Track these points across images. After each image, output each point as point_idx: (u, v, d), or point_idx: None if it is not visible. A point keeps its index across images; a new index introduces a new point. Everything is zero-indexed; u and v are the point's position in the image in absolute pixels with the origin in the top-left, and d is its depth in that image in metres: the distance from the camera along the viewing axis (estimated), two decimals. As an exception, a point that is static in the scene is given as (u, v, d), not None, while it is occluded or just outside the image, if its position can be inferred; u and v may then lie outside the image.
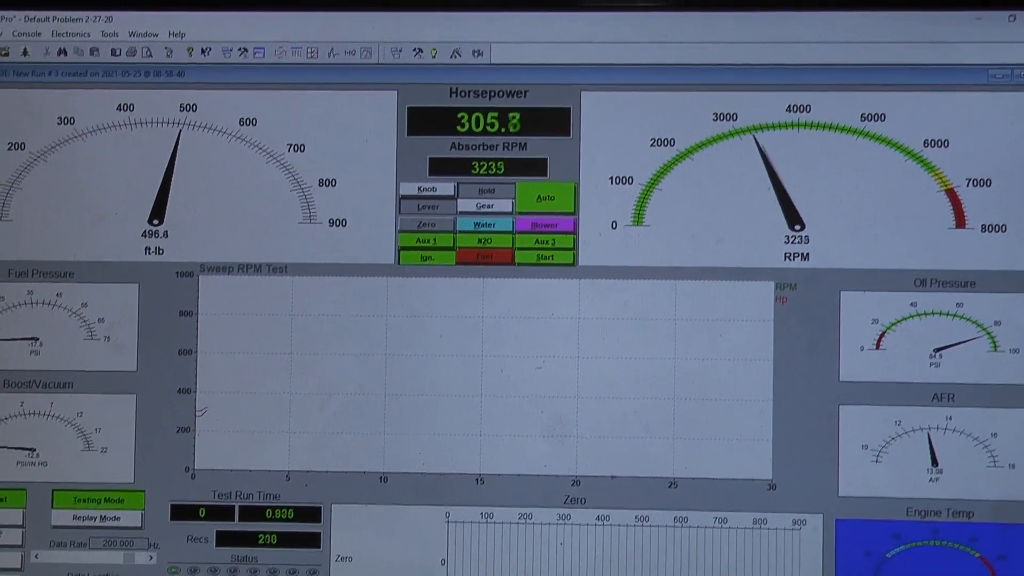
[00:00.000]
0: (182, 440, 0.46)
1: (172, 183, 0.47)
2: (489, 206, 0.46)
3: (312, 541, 0.46)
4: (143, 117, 0.47)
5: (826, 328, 0.45)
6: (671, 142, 0.46)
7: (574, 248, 0.46)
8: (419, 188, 0.46)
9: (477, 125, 0.46)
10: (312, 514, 0.46)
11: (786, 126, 0.46)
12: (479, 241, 0.46)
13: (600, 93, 0.46)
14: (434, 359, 0.46)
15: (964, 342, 0.45)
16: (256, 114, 0.47)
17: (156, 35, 0.47)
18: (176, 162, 0.47)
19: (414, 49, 0.47)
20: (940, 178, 0.45)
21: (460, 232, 0.46)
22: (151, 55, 0.47)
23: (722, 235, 0.46)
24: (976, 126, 0.45)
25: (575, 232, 0.46)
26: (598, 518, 0.46)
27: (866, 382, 0.45)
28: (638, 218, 0.46)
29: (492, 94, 0.46)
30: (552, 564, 0.46)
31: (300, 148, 0.47)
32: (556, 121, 0.46)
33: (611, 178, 0.46)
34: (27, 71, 0.47)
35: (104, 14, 0.47)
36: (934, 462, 0.45)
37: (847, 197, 0.45)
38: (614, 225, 0.46)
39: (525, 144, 0.46)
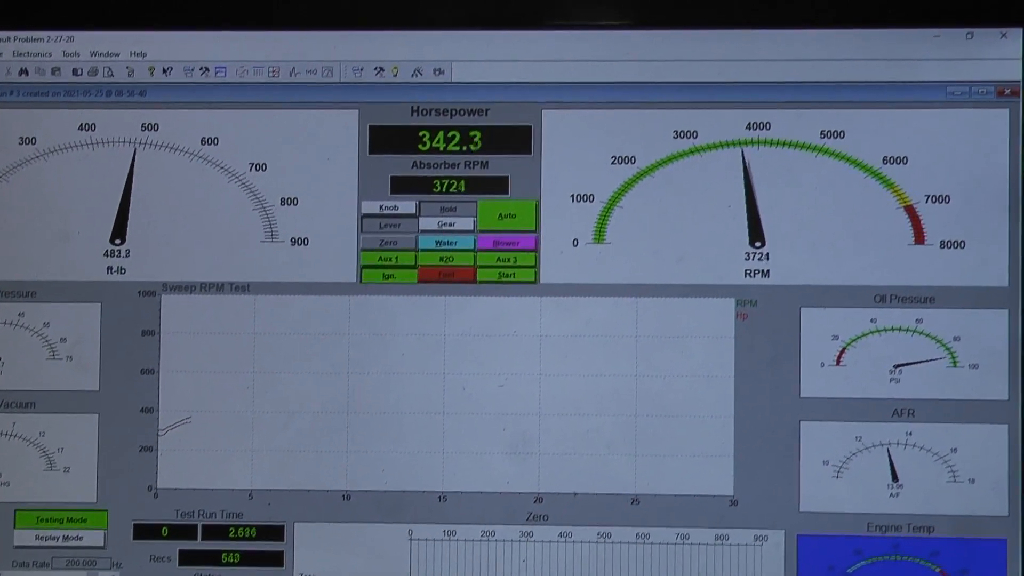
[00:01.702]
0: (145, 459, 0.46)
1: (132, 202, 0.47)
2: (451, 224, 0.46)
3: (275, 560, 0.46)
4: (105, 137, 0.47)
5: (787, 344, 0.45)
6: (632, 160, 0.46)
7: (536, 266, 0.46)
8: (381, 207, 0.46)
9: (439, 143, 0.47)
10: (275, 533, 0.46)
11: (746, 143, 0.46)
12: (441, 259, 0.46)
13: (561, 111, 0.46)
14: (397, 377, 0.46)
15: (924, 361, 0.45)
16: (218, 133, 0.47)
17: (117, 55, 0.47)
18: (134, 181, 0.47)
19: (375, 68, 0.47)
20: (899, 195, 0.46)
21: (422, 250, 0.46)
22: (112, 75, 0.47)
23: (683, 252, 0.46)
24: (935, 143, 0.46)
25: (536, 250, 0.46)
26: (560, 535, 0.46)
27: (827, 398, 0.45)
28: (599, 236, 0.46)
29: (453, 112, 0.47)
30: (514, 582, 0.46)
31: (262, 167, 0.47)
32: (517, 139, 0.46)
33: (572, 196, 0.46)
34: (-12, 91, 0.47)
35: (65, 34, 0.47)
36: (894, 477, 0.45)
37: (807, 214, 0.46)
38: (575, 243, 0.46)
39: (486, 162, 0.46)
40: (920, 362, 0.45)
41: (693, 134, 0.46)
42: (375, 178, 0.47)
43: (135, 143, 0.47)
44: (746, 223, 0.46)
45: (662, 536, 0.46)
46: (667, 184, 0.46)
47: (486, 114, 0.46)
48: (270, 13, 0.47)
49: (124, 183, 0.47)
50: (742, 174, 0.46)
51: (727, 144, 0.46)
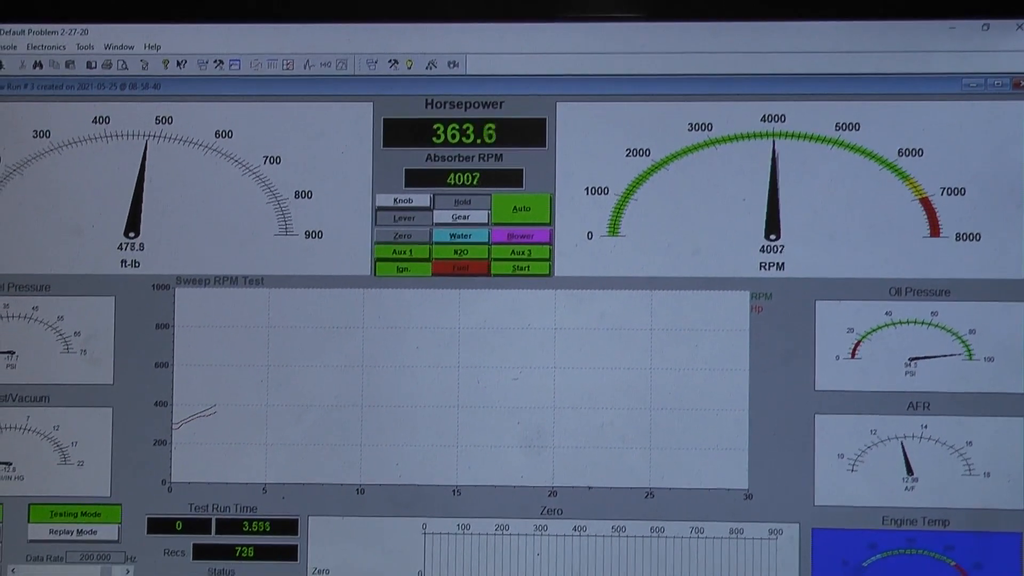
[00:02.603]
0: (159, 453, 0.46)
1: (146, 195, 0.47)
2: (465, 217, 0.46)
3: (289, 554, 0.46)
4: (119, 130, 0.47)
5: (801, 337, 0.45)
6: (646, 152, 0.46)
7: (550, 259, 0.46)
8: (395, 200, 0.46)
9: (453, 136, 0.46)
10: (289, 527, 0.46)
11: (761, 136, 0.46)
12: (455, 252, 0.46)
13: (575, 104, 0.46)
14: (411, 370, 0.46)
15: (940, 356, 0.45)
16: (232, 126, 0.47)
17: (132, 48, 0.47)
18: (148, 174, 0.47)
19: (389, 61, 0.47)
20: (914, 187, 0.45)
21: (436, 243, 0.46)
22: (127, 68, 0.47)
23: (698, 245, 0.46)
24: (950, 135, 0.45)
25: (551, 243, 0.46)
26: (575, 528, 0.46)
27: (842, 391, 0.45)
28: (614, 228, 0.46)
29: (467, 105, 0.46)
30: (529, 575, 0.46)
31: (276, 160, 0.47)
32: (531, 132, 0.46)
33: (587, 189, 0.46)
34: (2, 84, 0.47)
35: (80, 27, 0.47)
36: (909, 471, 0.45)
37: (822, 206, 0.46)
38: (590, 236, 0.46)
39: (501, 155, 0.46)
40: (936, 356, 0.45)
41: (708, 126, 0.46)
42: (389, 171, 0.46)
43: (149, 136, 0.47)
44: (764, 216, 0.45)
45: (677, 530, 0.46)
46: (682, 177, 0.46)
47: (500, 107, 0.46)
48: (284, 6, 0.47)
49: (138, 176, 0.47)
50: (768, 165, 0.45)
51: (742, 137, 0.46)
